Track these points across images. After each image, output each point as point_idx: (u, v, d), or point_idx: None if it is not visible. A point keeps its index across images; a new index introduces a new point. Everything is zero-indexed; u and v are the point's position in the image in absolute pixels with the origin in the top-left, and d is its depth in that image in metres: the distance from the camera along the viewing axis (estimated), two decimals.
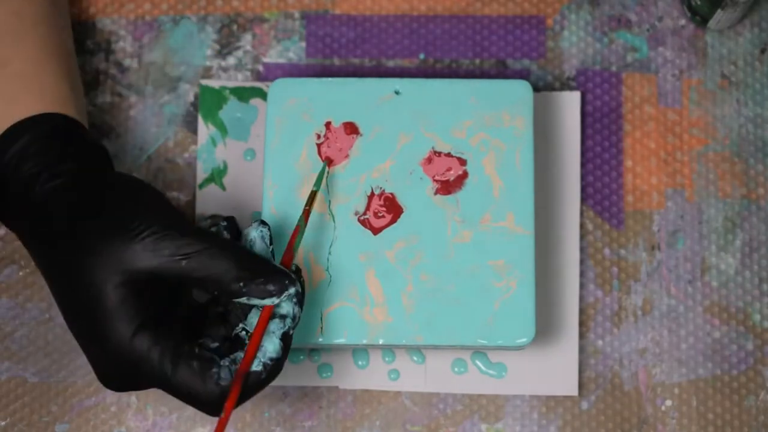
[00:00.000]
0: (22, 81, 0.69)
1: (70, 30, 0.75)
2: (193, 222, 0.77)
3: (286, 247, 0.68)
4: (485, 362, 0.75)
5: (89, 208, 0.65)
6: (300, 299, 0.66)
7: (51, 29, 0.72)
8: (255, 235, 0.67)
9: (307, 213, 0.70)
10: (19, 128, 0.67)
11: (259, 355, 0.64)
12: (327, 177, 0.72)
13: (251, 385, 0.64)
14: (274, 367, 0.65)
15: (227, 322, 0.67)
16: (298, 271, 0.68)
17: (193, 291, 0.69)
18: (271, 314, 0.65)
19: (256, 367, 0.64)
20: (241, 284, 0.64)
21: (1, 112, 0.68)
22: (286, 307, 0.65)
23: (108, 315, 0.63)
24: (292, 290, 0.65)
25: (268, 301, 0.65)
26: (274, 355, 0.64)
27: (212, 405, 0.64)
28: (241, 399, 0.64)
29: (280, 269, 0.65)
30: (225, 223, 0.68)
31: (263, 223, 0.67)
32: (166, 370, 0.63)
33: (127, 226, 0.64)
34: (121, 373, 0.64)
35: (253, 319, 0.66)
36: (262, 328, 0.65)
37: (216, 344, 0.66)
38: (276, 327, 0.65)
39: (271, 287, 0.65)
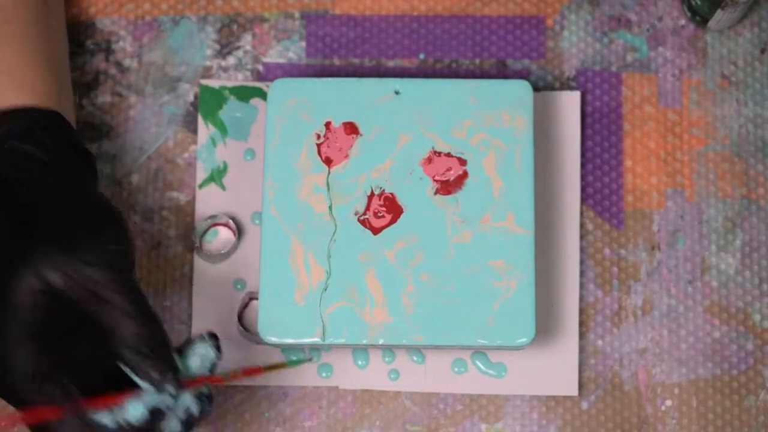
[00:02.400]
0: (11, 80, 0.69)
1: (64, 35, 0.75)
2: (193, 223, 0.77)
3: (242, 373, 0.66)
4: (485, 362, 0.75)
5: (52, 188, 0.64)
6: (189, 420, 0.63)
7: (42, 33, 0.72)
8: (200, 351, 0.65)
9: (258, 372, 0.67)
10: (9, 114, 0.67)
11: (117, 411, 0.62)
12: (305, 364, 0.73)
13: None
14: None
15: None
16: (209, 396, 0.65)
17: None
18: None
19: (109, 422, 0.62)
20: (133, 355, 0.63)
21: None
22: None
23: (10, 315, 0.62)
24: (166, 394, 0.62)
25: (139, 382, 0.63)
26: (130, 420, 0.62)
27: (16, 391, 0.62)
28: None
29: (172, 369, 0.63)
30: (210, 342, 0.65)
31: (214, 338, 0.65)
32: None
33: (69, 237, 0.63)
34: None
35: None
36: (123, 395, 0.62)
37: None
38: (152, 398, 0.63)
39: (153, 374, 0.63)
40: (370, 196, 0.73)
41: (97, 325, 0.63)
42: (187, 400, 0.64)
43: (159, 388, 0.63)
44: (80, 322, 0.64)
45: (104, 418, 0.62)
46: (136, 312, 0.63)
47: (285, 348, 0.75)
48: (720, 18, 0.78)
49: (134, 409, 0.62)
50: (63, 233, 0.63)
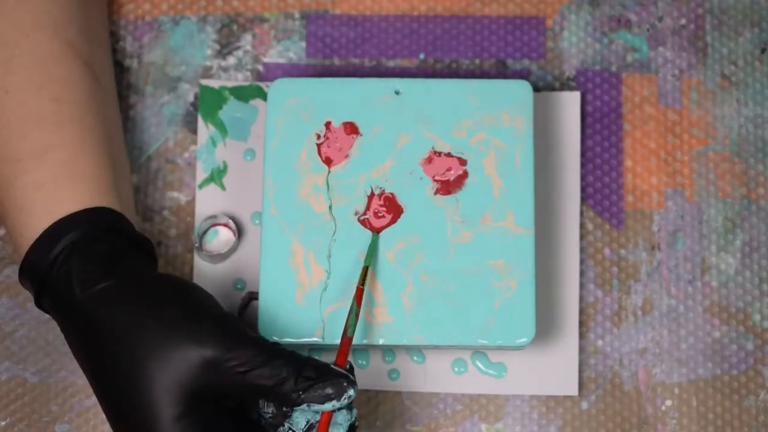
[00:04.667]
0: (65, 169, 0.67)
1: (118, 117, 0.74)
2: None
3: (340, 344, 0.66)
4: (485, 362, 0.75)
5: (136, 316, 0.63)
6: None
7: (94, 116, 0.70)
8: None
9: (359, 293, 0.68)
10: (62, 225, 0.65)
11: None
12: (377, 249, 0.71)
13: None
14: None
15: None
16: (351, 369, 0.65)
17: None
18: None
19: None
20: (300, 393, 0.62)
21: (43, 203, 0.66)
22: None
23: None
24: (351, 392, 0.63)
25: (328, 406, 0.62)
26: None
27: None
28: None
29: (339, 371, 0.63)
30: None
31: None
32: None
33: (183, 338, 0.62)
34: None
35: (299, 419, 0.64)
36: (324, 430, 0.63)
37: None
38: (343, 419, 0.63)
39: (329, 390, 0.62)
40: (370, 196, 0.73)
41: (248, 394, 0.63)
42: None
43: (345, 398, 0.63)
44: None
45: None
46: (282, 356, 0.63)
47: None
48: None
49: None
50: (177, 331, 0.62)
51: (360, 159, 0.73)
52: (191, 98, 0.79)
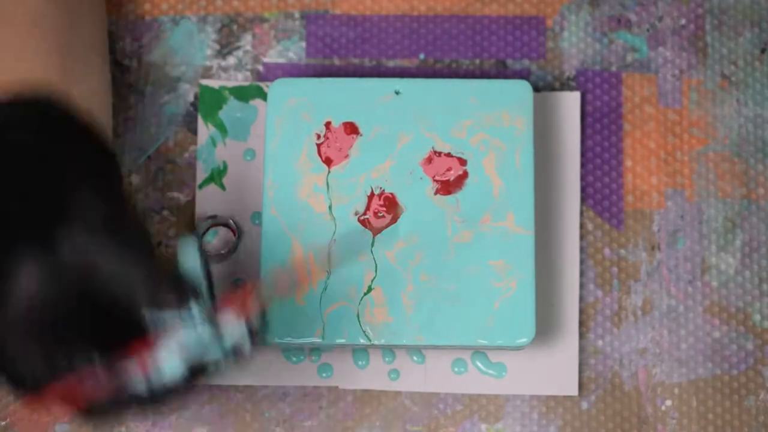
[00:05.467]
0: (7, 54, 0.63)
1: (101, 13, 0.71)
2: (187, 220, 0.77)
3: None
4: (485, 362, 0.75)
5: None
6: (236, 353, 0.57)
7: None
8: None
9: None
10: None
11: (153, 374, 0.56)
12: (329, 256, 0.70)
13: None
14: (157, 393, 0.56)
15: None
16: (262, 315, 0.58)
17: None
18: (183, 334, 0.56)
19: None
20: (143, 298, 0.56)
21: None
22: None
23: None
24: (194, 322, 0.56)
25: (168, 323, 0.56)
26: (167, 379, 0.55)
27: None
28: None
29: (188, 291, 0.57)
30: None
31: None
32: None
33: (56, 206, 0.57)
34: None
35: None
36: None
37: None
38: (184, 336, 0.56)
39: (168, 304, 0.56)
40: (370, 196, 0.73)
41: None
42: (230, 331, 0.56)
43: (183, 316, 0.55)
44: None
45: (139, 385, 0.55)
46: (124, 255, 0.57)
47: (285, 348, 0.75)
48: None
49: (170, 367, 0.55)
50: (55, 195, 0.58)
51: (360, 159, 0.73)
52: (191, 98, 0.79)
